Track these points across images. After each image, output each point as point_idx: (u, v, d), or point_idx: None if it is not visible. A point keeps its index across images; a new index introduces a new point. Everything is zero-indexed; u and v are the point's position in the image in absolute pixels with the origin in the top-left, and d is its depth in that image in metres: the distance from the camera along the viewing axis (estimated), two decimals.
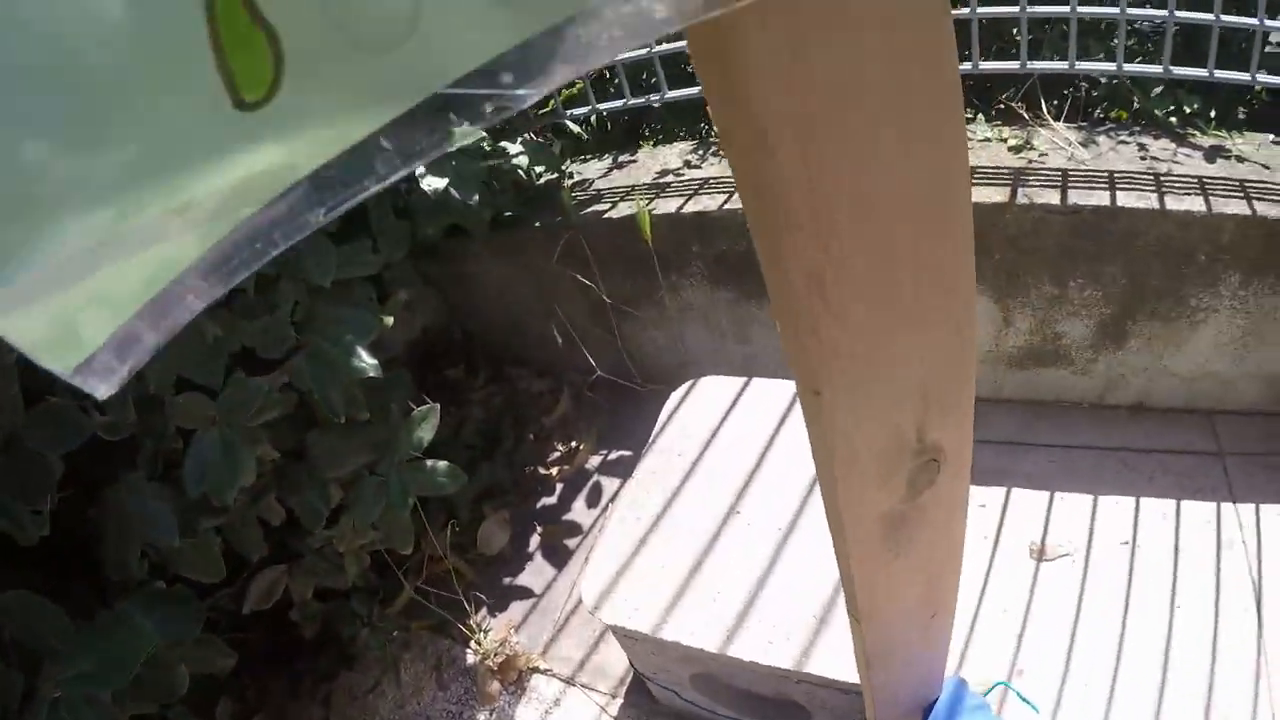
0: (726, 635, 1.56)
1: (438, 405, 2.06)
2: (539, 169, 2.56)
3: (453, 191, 2.12)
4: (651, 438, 1.99)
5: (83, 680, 1.46)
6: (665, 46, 2.47)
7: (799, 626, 1.54)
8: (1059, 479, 2.21)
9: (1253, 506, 2.06)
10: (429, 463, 2.03)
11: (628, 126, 3.21)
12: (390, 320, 1.98)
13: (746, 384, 2.04)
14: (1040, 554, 2.05)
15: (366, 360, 1.85)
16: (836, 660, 1.48)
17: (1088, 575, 2.02)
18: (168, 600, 1.72)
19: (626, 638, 1.73)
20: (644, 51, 2.48)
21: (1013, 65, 2.23)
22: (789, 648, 1.51)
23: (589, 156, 2.88)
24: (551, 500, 2.64)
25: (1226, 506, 2.07)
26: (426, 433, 2.02)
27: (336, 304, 1.92)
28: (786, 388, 2.00)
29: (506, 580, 2.45)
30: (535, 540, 2.53)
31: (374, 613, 2.38)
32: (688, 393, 2.08)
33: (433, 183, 2.12)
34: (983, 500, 2.19)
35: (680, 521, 1.77)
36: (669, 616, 1.62)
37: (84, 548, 1.77)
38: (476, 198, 2.19)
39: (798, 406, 1.91)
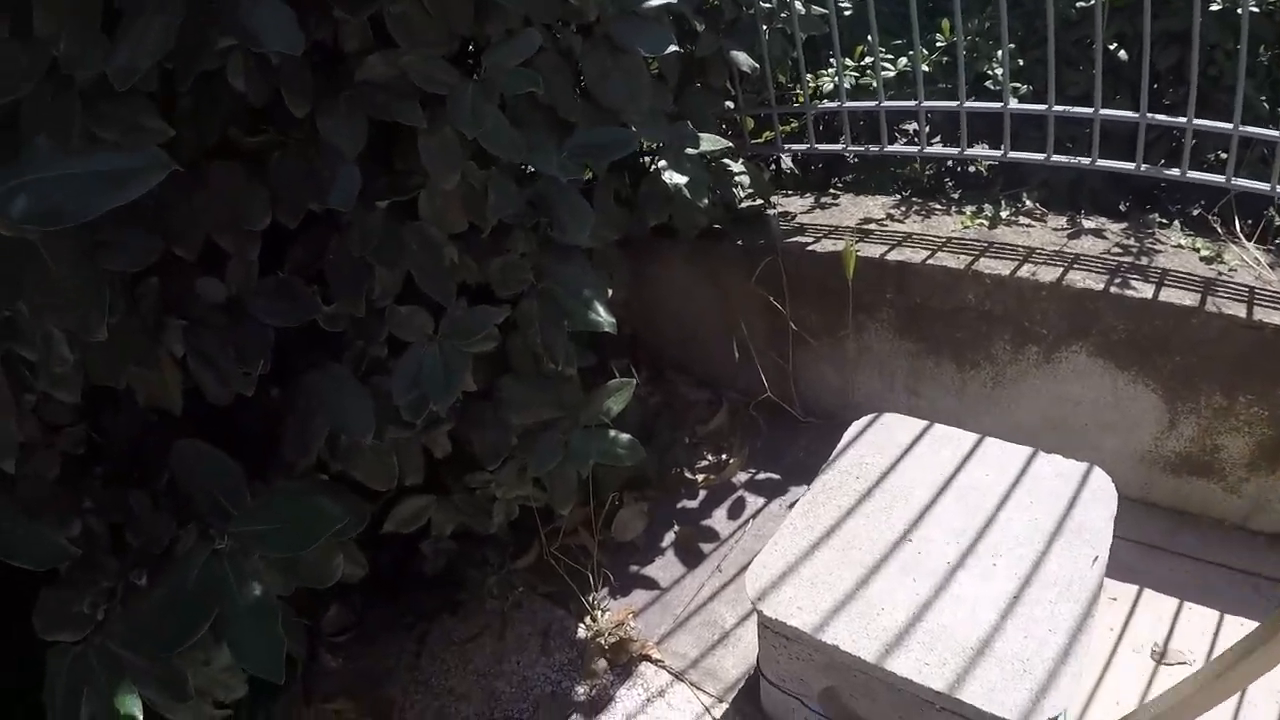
0: (885, 649, 1.51)
1: (634, 381, 2.02)
2: (750, 192, 2.56)
3: (685, 191, 2.11)
4: (831, 457, 1.93)
5: (257, 539, 1.44)
6: (891, 104, 2.47)
7: (955, 655, 1.49)
8: (1190, 590, 2.10)
9: None
10: (612, 432, 1.99)
11: (823, 174, 3.21)
12: (611, 292, 1.96)
13: (928, 427, 1.99)
14: (1161, 656, 1.96)
15: (604, 315, 1.82)
16: (986, 694, 1.43)
17: None
18: (338, 493, 1.71)
19: (779, 635, 1.65)
20: (871, 104, 2.48)
21: (1219, 178, 2.16)
22: (944, 673, 1.47)
23: (790, 192, 2.86)
24: (693, 504, 2.57)
25: None
26: (617, 404, 1.98)
27: (565, 263, 1.90)
28: (966, 437, 1.94)
29: (634, 568, 2.38)
30: (670, 537, 2.46)
31: (504, 564, 2.33)
32: (870, 423, 2.02)
33: (674, 178, 2.09)
34: (1115, 594, 2.10)
35: (852, 538, 1.71)
36: (831, 621, 1.56)
37: (258, 426, 1.78)
38: (705, 201, 2.17)
39: (976, 454, 1.86)
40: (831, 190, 2.95)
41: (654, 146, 2.25)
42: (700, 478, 2.64)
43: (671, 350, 3.01)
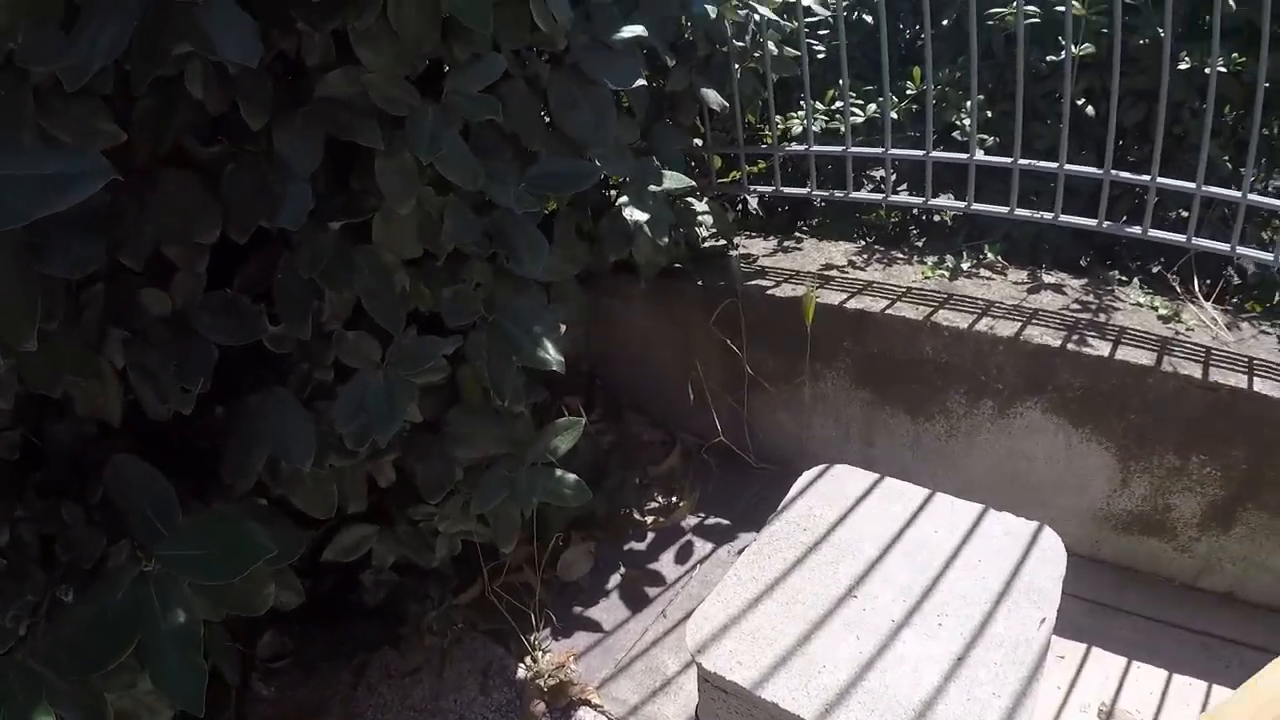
0: (825, 709, 1.49)
1: (582, 420, 2.01)
2: (713, 231, 2.57)
3: (646, 229, 2.11)
4: (780, 507, 1.93)
5: (186, 563, 1.39)
6: (859, 150, 2.50)
7: (896, 717, 1.47)
8: (1139, 649, 2.12)
9: None
10: (559, 472, 1.97)
11: (788, 216, 3.23)
12: (564, 328, 1.95)
13: (878, 480, 1.98)
14: (1109, 716, 1.96)
15: (552, 354, 1.81)
16: None
17: None
18: (274, 520, 1.69)
19: (718, 689, 1.63)
20: (838, 149, 2.51)
21: (1179, 238, 2.21)
22: None
23: (754, 233, 2.88)
24: (641, 546, 2.55)
25: None
26: (565, 443, 1.97)
27: (519, 295, 1.89)
28: (917, 492, 1.95)
29: (578, 609, 2.35)
30: (615, 579, 2.44)
31: (444, 599, 2.30)
32: (821, 474, 2.02)
33: (635, 215, 2.10)
34: (1062, 652, 2.11)
35: (796, 592, 1.70)
36: (771, 677, 1.55)
37: (200, 443, 1.74)
38: (665, 240, 2.17)
39: (927, 510, 1.86)
40: (796, 233, 2.97)
41: (618, 181, 2.25)
42: (649, 520, 2.63)
43: (628, 388, 3.01)
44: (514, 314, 1.84)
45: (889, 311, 2.33)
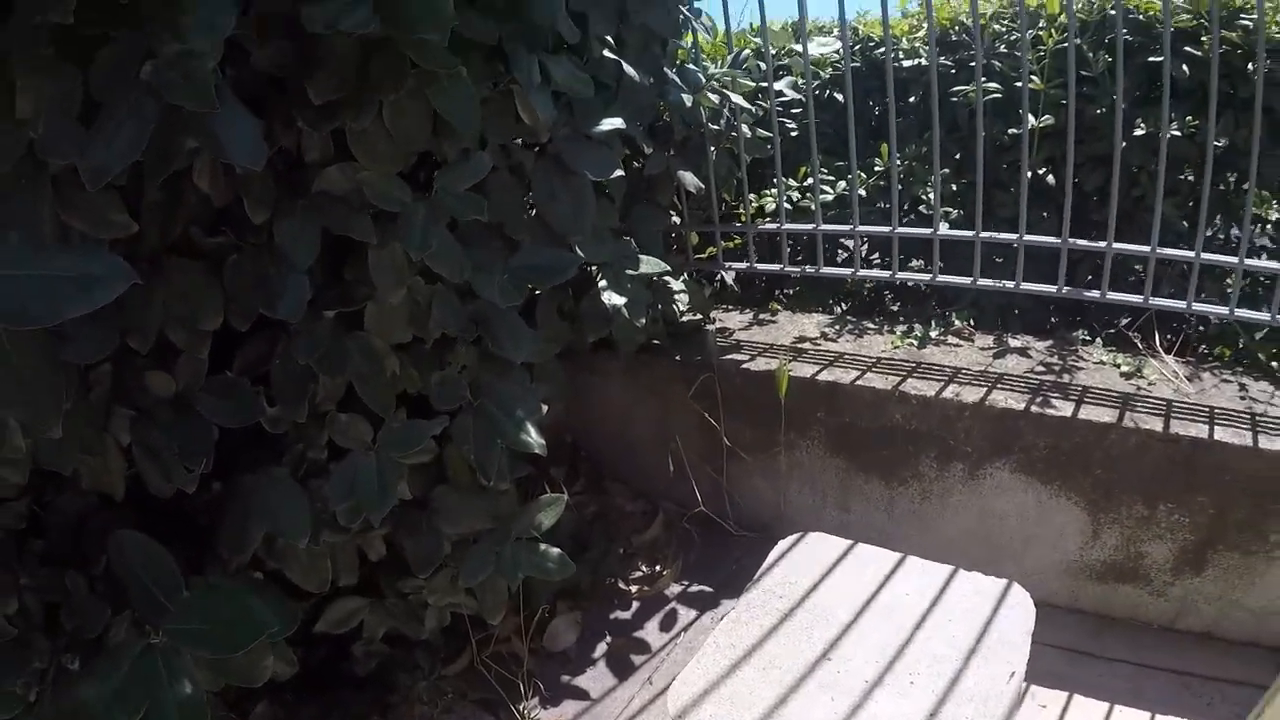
0: None
1: (564, 496, 2.11)
2: (689, 307, 2.69)
3: (624, 311, 2.22)
4: (756, 576, 2.00)
5: (190, 637, 1.49)
6: (828, 227, 2.63)
7: None
8: (1120, 693, 2.19)
9: None
10: (543, 546, 2.07)
11: (765, 288, 3.36)
12: (545, 409, 2.06)
13: (851, 547, 2.06)
14: None
15: (534, 437, 1.91)
16: None
17: None
18: (269, 593, 1.77)
19: None
20: (809, 226, 2.64)
21: (1136, 298, 2.36)
22: None
23: (731, 307, 3.00)
24: (626, 615, 2.63)
25: None
26: (549, 518, 2.06)
27: (503, 379, 2.00)
28: (889, 556, 2.02)
29: (565, 678, 2.42)
30: (602, 648, 2.51)
31: (434, 670, 2.36)
32: (796, 542, 2.10)
33: (612, 299, 2.21)
34: (1044, 701, 2.18)
35: (773, 657, 1.77)
36: None
37: (199, 517, 1.84)
38: (643, 321, 2.28)
39: (899, 573, 1.96)
40: (775, 303, 3.10)
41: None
42: (634, 589, 2.71)
43: (610, 460, 3.10)
44: (498, 397, 1.94)
45: (859, 382, 2.45)
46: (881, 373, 2.49)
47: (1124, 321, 2.84)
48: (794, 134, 3.09)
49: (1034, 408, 2.27)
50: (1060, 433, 2.26)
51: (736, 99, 2.50)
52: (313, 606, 2.06)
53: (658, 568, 2.77)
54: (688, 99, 2.36)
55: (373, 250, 1.73)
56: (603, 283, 2.22)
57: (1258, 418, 2.17)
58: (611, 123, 2.09)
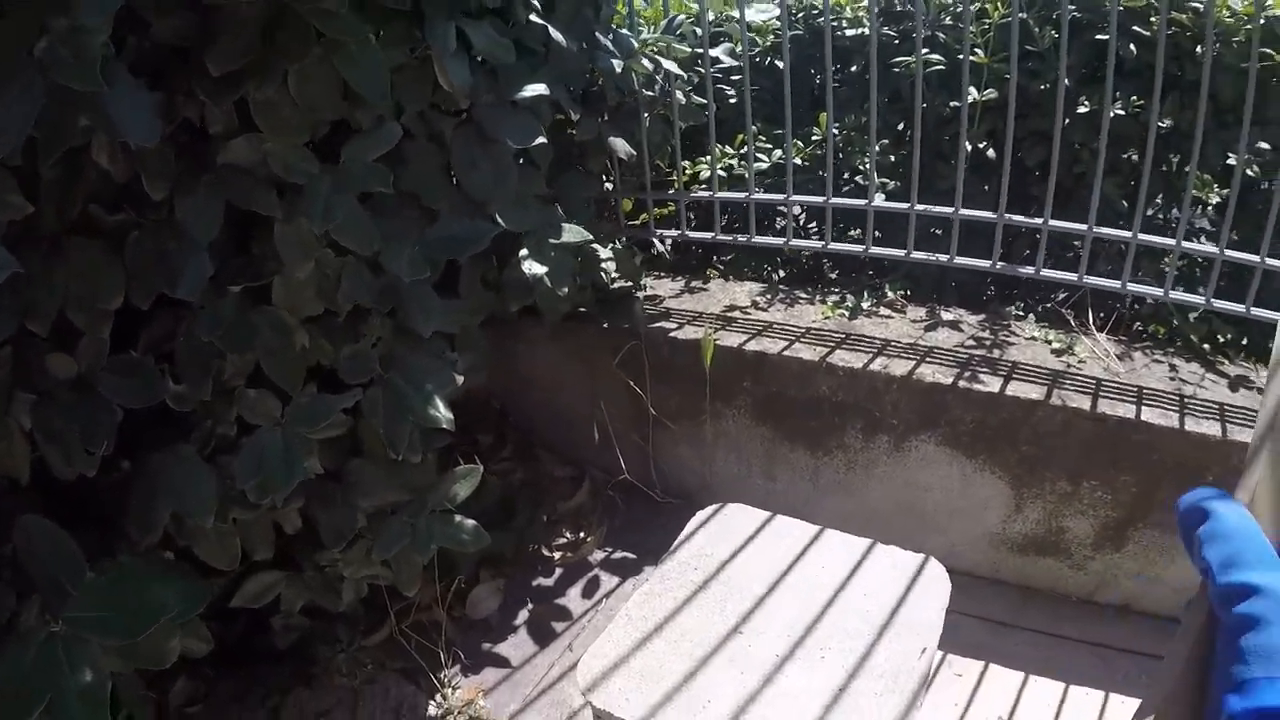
0: None
1: (480, 468, 2.11)
2: (620, 275, 2.68)
3: (546, 280, 2.21)
4: (673, 548, 2.02)
5: (91, 624, 1.48)
6: (761, 196, 2.62)
7: None
8: (1036, 663, 2.24)
9: None
10: (457, 518, 2.07)
11: (702, 254, 3.35)
12: (461, 380, 2.05)
13: (770, 519, 2.07)
14: None
15: (443, 412, 1.90)
16: None
17: None
18: (181, 574, 1.77)
19: None
20: (741, 195, 2.63)
21: (1071, 276, 2.38)
22: None
23: (663, 274, 3.00)
24: (548, 582, 2.65)
25: None
26: (464, 490, 2.06)
27: (415, 351, 1.99)
28: (807, 529, 2.03)
29: (486, 645, 2.45)
30: (524, 615, 2.54)
31: (354, 641, 2.38)
32: (714, 514, 2.10)
33: (533, 268, 2.19)
34: (960, 670, 2.24)
35: (684, 630, 1.79)
36: (657, 713, 1.63)
37: (102, 502, 1.81)
38: (566, 290, 2.27)
39: (816, 546, 1.96)
40: (711, 269, 3.10)
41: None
42: (557, 555, 2.73)
43: (539, 426, 3.10)
44: (409, 371, 1.93)
45: (786, 353, 2.45)
46: (810, 343, 2.49)
47: (1061, 297, 2.86)
48: (732, 100, 3.07)
49: (962, 382, 2.29)
50: (987, 408, 2.28)
51: (669, 65, 2.48)
52: (230, 581, 2.05)
53: (582, 534, 2.79)
54: (619, 65, 2.33)
55: (278, 224, 1.71)
56: (524, 252, 2.20)
57: (1186, 400, 2.20)
58: (535, 89, 2.06)
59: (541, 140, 2.07)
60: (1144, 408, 2.17)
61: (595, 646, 1.80)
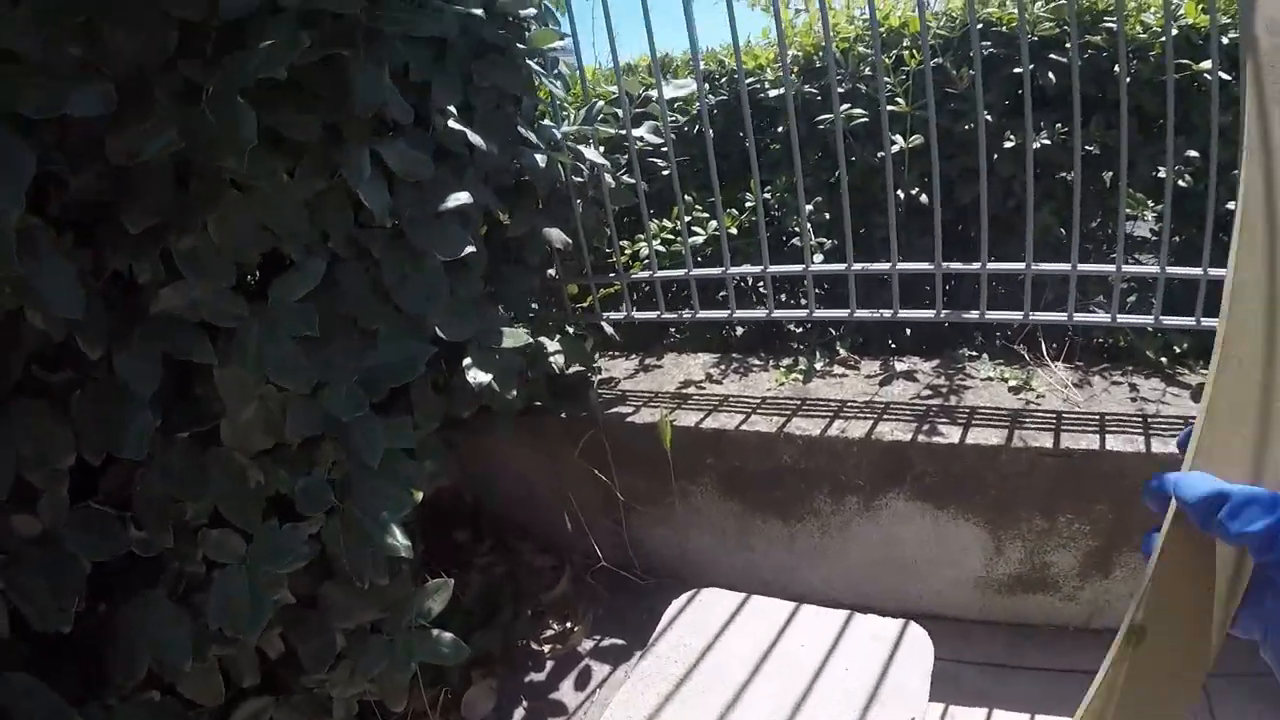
0: None
1: (451, 580, 2.11)
2: (571, 361, 2.69)
3: (494, 384, 2.21)
4: (651, 641, 2.00)
5: None
6: (700, 272, 2.64)
7: None
8: (1042, 701, 2.22)
9: None
10: (435, 632, 2.06)
11: (656, 327, 3.35)
12: (420, 496, 2.04)
13: (745, 600, 2.06)
14: None
15: (399, 540, 1.89)
16: None
17: None
18: (165, 713, 1.79)
19: None
20: (681, 273, 2.65)
21: (1016, 315, 2.39)
22: None
23: (617, 354, 3.01)
24: (540, 676, 2.63)
25: None
26: (437, 604, 2.06)
27: (373, 474, 2.00)
28: (782, 607, 2.02)
29: None
30: (519, 714, 2.51)
31: None
32: (689, 602, 2.10)
33: (477, 376, 2.19)
34: None
35: None
36: None
37: (86, 646, 1.79)
38: (514, 393, 2.28)
39: (793, 624, 1.96)
40: (668, 340, 3.12)
41: None
42: (546, 648, 2.72)
43: (514, 517, 3.10)
44: (366, 498, 1.93)
45: (744, 427, 2.47)
46: (767, 414, 2.50)
47: (1019, 329, 2.85)
48: (666, 173, 3.09)
49: (921, 436, 2.30)
50: (949, 459, 2.29)
51: (591, 155, 2.51)
52: (220, 710, 2.04)
53: (569, 624, 2.78)
54: (542, 159, 2.35)
55: (216, 370, 1.72)
56: (467, 360, 2.20)
57: (1149, 419, 2.22)
58: (457, 199, 2.07)
59: (471, 249, 2.08)
60: (1108, 436, 2.18)
61: None
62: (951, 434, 2.29)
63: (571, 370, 2.72)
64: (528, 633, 2.76)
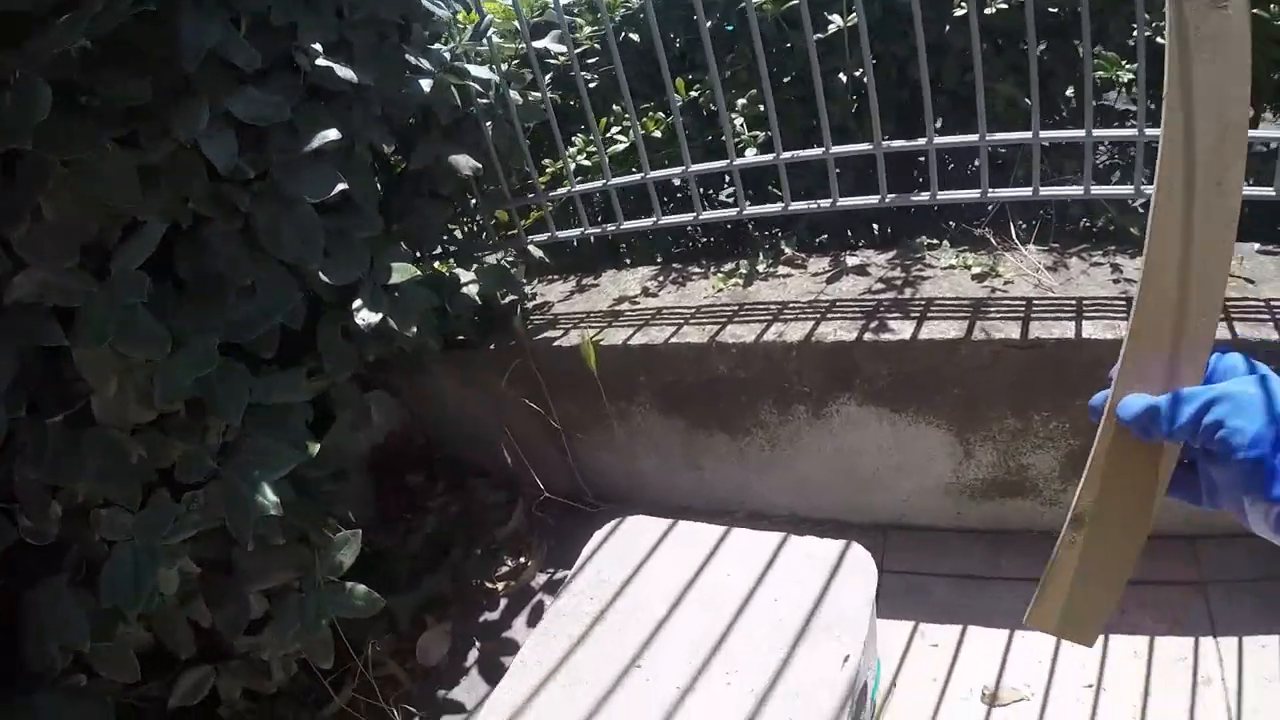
0: None
1: (359, 531, 2.06)
2: (500, 291, 2.60)
3: (390, 322, 2.14)
4: (567, 579, 1.93)
5: None
6: (619, 180, 2.52)
7: None
8: (1020, 616, 2.08)
9: (1235, 640, 1.92)
10: (347, 585, 2.03)
11: (611, 245, 3.26)
12: (316, 449, 1.99)
13: (672, 526, 1.98)
14: (993, 699, 1.92)
15: (269, 498, 1.83)
16: None
17: None
18: (85, 696, 1.79)
19: None
20: (599, 184, 2.54)
21: (973, 194, 2.21)
22: None
23: (555, 278, 2.92)
24: (494, 615, 2.60)
25: (1206, 641, 1.93)
26: (347, 557, 2.02)
27: (266, 430, 1.94)
28: (712, 532, 1.93)
29: (441, 693, 2.40)
30: (474, 655, 2.49)
31: (302, 717, 2.35)
32: (610, 533, 2.02)
33: (366, 317, 2.12)
34: (936, 640, 2.09)
35: (580, 671, 1.69)
36: None
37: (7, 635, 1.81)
38: (415, 330, 2.20)
39: (722, 550, 1.86)
40: (618, 255, 3.01)
41: None
42: (500, 586, 2.68)
43: (466, 457, 3.06)
44: (245, 461, 1.87)
45: (673, 340, 2.36)
46: (701, 323, 2.40)
47: (988, 213, 2.68)
48: (593, 86, 2.95)
49: (868, 335, 2.16)
50: (901, 357, 2.15)
51: (478, 72, 2.39)
52: (165, 684, 2.05)
53: (523, 559, 2.74)
54: (426, 84, 2.23)
55: (74, 350, 1.67)
56: (357, 302, 2.12)
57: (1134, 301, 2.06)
58: (323, 137, 1.96)
59: (342, 187, 1.98)
60: (1085, 322, 2.00)
61: (492, 699, 1.71)
62: (903, 329, 2.15)
63: (507, 300, 2.63)
64: (481, 572, 2.72)
